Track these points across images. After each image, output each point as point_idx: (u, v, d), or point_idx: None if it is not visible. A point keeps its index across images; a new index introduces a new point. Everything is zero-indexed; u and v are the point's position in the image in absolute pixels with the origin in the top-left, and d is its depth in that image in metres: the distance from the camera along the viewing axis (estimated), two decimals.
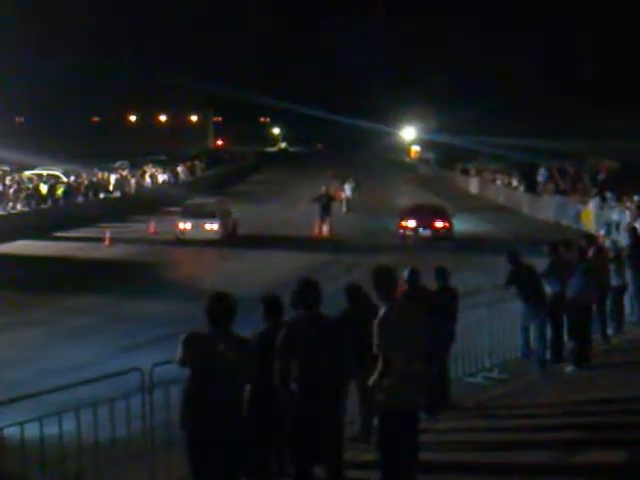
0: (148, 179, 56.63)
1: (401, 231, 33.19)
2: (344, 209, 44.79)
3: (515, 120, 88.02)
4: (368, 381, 7.86)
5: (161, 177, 58.49)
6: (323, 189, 38.43)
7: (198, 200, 38.06)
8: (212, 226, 33.46)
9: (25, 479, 6.48)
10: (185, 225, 33.58)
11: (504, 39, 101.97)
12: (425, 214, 33.78)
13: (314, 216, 36.89)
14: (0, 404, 7.89)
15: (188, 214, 34.35)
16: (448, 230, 33.07)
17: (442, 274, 12.58)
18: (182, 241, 33.31)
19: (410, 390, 7.73)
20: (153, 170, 59.29)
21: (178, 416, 7.46)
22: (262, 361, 8.11)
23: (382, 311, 7.83)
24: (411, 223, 33.00)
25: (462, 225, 36.24)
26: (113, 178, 51.67)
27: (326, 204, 36.67)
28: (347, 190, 47.16)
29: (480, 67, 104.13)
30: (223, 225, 33.90)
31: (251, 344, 7.68)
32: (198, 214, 34.05)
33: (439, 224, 33.01)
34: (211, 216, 33.86)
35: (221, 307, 7.42)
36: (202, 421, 7.20)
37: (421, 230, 32.78)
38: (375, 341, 7.69)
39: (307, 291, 7.80)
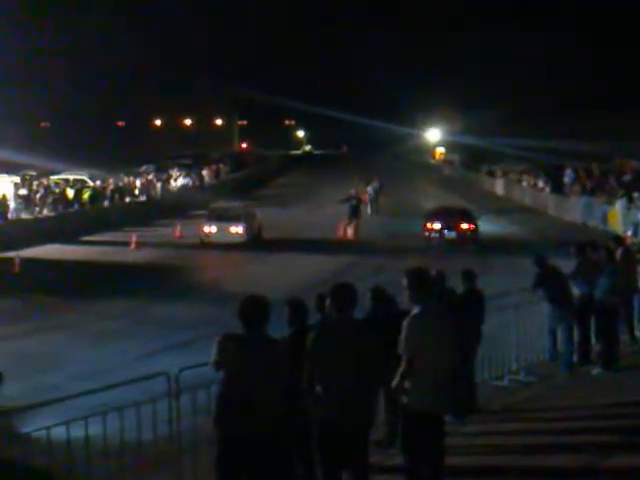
0: (173, 183, 56.86)
1: (426, 233, 33.06)
2: (369, 211, 44.82)
3: (540, 122, 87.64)
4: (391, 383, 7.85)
5: (185, 180, 58.61)
6: (353, 191, 38.82)
7: (223, 204, 38.30)
8: (237, 229, 33.62)
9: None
10: (210, 228, 33.80)
11: (531, 40, 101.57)
12: (451, 216, 33.70)
13: (340, 218, 36.99)
14: (28, 408, 7.93)
15: (213, 217, 34.52)
16: (473, 232, 32.96)
17: (469, 276, 12.53)
18: (207, 244, 33.49)
19: (435, 392, 7.69)
20: (178, 174, 59.50)
21: (211, 418, 7.48)
22: (290, 364, 8.14)
23: (414, 312, 7.81)
24: (437, 225, 32.94)
25: (488, 227, 36.15)
26: (139, 182, 51.94)
27: (355, 206, 37.03)
28: (371, 192, 47.13)
29: (505, 68, 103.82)
30: (248, 228, 34.07)
31: (281, 345, 7.69)
32: (223, 217, 34.18)
33: (464, 226, 32.90)
34: (236, 219, 33.98)
35: (254, 309, 7.47)
36: (235, 423, 7.20)
37: (446, 232, 32.69)
38: (402, 341, 7.67)
39: (341, 293, 7.74)
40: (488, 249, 31.34)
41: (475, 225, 33.24)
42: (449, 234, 32.68)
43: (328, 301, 7.80)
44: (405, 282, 7.92)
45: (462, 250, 30.16)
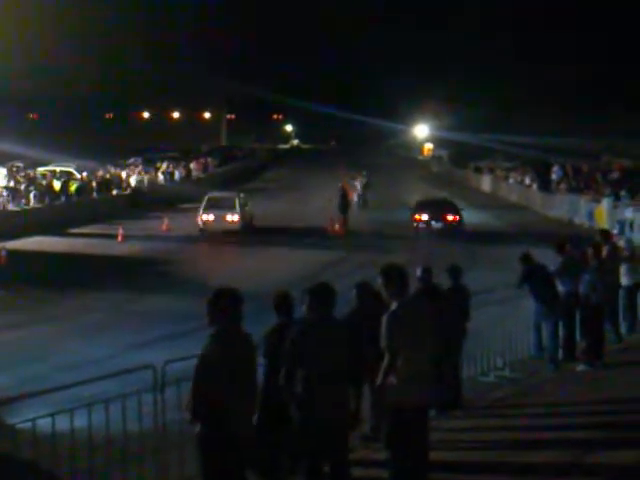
0: (161, 176, 56.76)
1: (415, 224, 34.87)
2: (357, 206, 44.91)
3: (529, 118, 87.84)
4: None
5: (172, 173, 58.54)
6: (340, 186, 40.08)
7: (219, 193, 39.59)
8: (232, 217, 35.33)
9: (38, 472, 6.50)
10: (208, 217, 35.30)
11: (518, 38, 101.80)
12: (437, 208, 35.81)
13: (328, 212, 37.17)
14: (13, 400, 7.91)
15: (210, 206, 35.78)
16: (458, 223, 34.96)
17: (455, 272, 12.57)
18: (205, 232, 35.05)
19: (419, 387, 7.71)
20: (164, 167, 59.38)
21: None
22: (272, 359, 8.14)
23: (392, 307, 7.83)
24: (424, 216, 34.86)
25: (472, 218, 37.22)
26: (126, 174, 51.81)
27: (344, 200, 37.88)
28: (358, 187, 47.33)
29: (493, 65, 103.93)
30: (242, 217, 35.68)
31: (252, 339, 7.63)
32: (220, 206, 35.75)
33: (450, 217, 34.95)
34: (231, 208, 35.59)
35: (225, 303, 7.38)
36: (218, 418, 7.17)
37: (433, 223, 34.60)
38: (383, 337, 7.69)
39: (319, 294, 7.76)
40: (472, 239, 32.95)
41: (460, 216, 35.23)
42: (436, 224, 34.59)
43: (307, 300, 7.80)
44: (381, 279, 7.94)
45: (449, 244, 30.61)
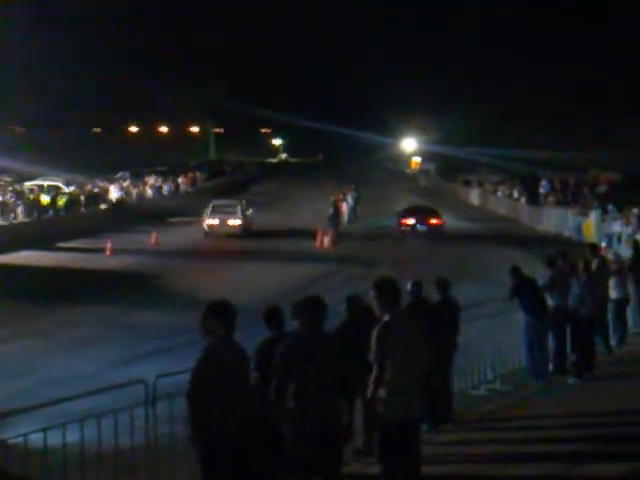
0: (149, 190, 56.70)
1: (402, 228, 39.71)
2: (346, 220, 45.03)
3: (515, 131, 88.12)
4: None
5: (161, 187, 58.48)
6: (332, 199, 42.54)
7: (223, 200, 42.85)
8: (234, 222, 39.23)
9: None
10: (213, 221, 39.18)
11: (504, 52, 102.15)
12: (422, 213, 40.92)
13: (316, 226, 37.37)
14: (4, 415, 7.88)
15: (215, 212, 39.59)
16: (440, 226, 40.03)
17: (443, 285, 12.58)
18: (210, 235, 38.84)
19: (409, 400, 7.71)
20: (153, 181, 59.31)
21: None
22: (263, 373, 8.13)
23: (383, 320, 7.84)
24: (411, 221, 39.82)
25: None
26: (114, 189, 51.72)
27: (333, 215, 39.08)
28: (351, 202, 47.56)
29: (479, 79, 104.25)
30: (243, 221, 39.58)
31: (245, 351, 7.63)
32: (223, 212, 39.62)
33: (433, 221, 40.07)
34: (234, 214, 39.49)
35: (219, 315, 7.38)
36: (217, 432, 7.16)
37: (419, 226, 39.52)
38: (373, 350, 7.69)
39: (309, 307, 7.77)
40: (452, 239, 37.80)
41: (441, 221, 40.45)
42: (421, 228, 39.51)
43: (297, 313, 7.80)
44: (373, 292, 7.95)
45: (437, 257, 31.16)
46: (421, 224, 39.47)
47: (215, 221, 39.17)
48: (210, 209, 39.93)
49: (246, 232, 39.42)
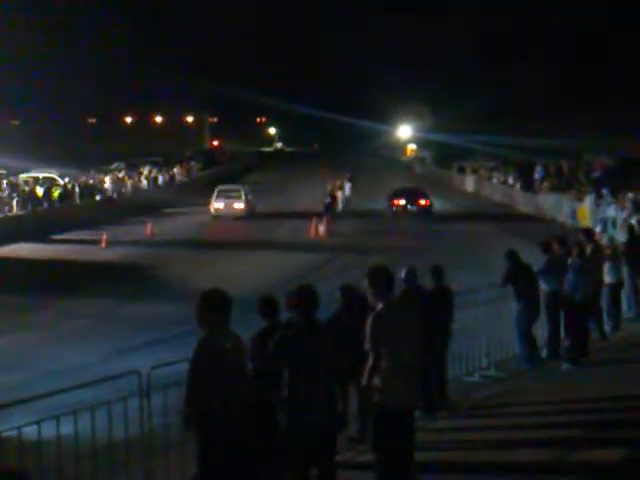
0: (144, 181, 56.60)
1: (393, 208, 42.27)
2: (340, 208, 45.10)
3: (511, 118, 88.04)
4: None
5: (156, 178, 58.37)
6: (329, 188, 44.68)
7: (227, 186, 45.74)
8: (239, 205, 42.45)
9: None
10: (219, 205, 42.42)
11: (500, 39, 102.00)
12: (412, 194, 43.49)
13: (310, 214, 37.44)
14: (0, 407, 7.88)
15: (220, 196, 42.71)
16: (429, 207, 42.62)
17: (437, 273, 12.57)
18: (216, 217, 41.98)
19: (404, 388, 7.72)
20: (147, 172, 59.18)
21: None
22: (257, 363, 8.13)
23: (377, 308, 7.85)
24: (402, 202, 42.37)
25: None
26: (109, 180, 51.62)
27: (331, 203, 41.28)
28: (347, 191, 47.58)
29: (475, 65, 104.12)
30: (247, 205, 42.69)
31: (242, 341, 7.64)
32: (228, 196, 42.77)
33: (422, 202, 42.66)
34: (238, 198, 42.62)
35: (214, 304, 7.38)
36: (219, 420, 7.16)
37: (409, 207, 42.11)
38: (367, 338, 7.70)
39: (303, 296, 7.77)
40: (439, 219, 40.79)
41: (430, 202, 43.05)
42: (411, 208, 42.11)
43: (291, 302, 7.80)
44: (367, 280, 7.96)
45: (433, 245, 31.09)
46: (411, 204, 42.14)
47: (221, 205, 42.30)
48: (216, 194, 42.95)
49: (250, 214, 42.45)
